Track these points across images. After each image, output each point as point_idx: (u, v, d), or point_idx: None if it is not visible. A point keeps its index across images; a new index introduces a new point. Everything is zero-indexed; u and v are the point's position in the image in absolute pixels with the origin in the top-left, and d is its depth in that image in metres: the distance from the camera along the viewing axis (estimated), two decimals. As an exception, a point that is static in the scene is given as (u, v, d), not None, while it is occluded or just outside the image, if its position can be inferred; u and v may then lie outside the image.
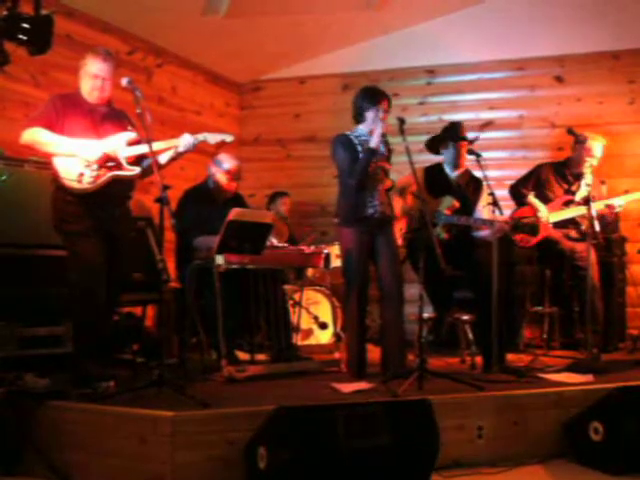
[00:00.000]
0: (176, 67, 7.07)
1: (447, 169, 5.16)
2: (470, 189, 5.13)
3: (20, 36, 3.34)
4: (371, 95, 4.67)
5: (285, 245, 5.41)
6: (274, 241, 5.14)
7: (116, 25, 6.18)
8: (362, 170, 4.51)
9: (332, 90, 7.58)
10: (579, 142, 5.72)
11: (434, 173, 5.17)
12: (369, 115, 4.61)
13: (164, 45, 6.78)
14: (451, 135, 5.14)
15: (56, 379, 3.99)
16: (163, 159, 4.22)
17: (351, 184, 4.55)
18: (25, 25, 3.33)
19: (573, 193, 5.84)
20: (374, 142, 4.50)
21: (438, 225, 4.93)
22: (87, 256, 4.03)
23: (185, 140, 4.17)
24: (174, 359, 5.09)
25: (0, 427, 3.62)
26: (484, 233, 4.95)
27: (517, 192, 5.94)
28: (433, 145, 5.24)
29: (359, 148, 4.59)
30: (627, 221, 6.50)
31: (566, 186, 5.88)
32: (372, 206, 4.61)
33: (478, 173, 4.96)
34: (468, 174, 5.18)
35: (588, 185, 5.60)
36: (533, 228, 5.49)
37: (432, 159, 5.37)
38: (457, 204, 4.99)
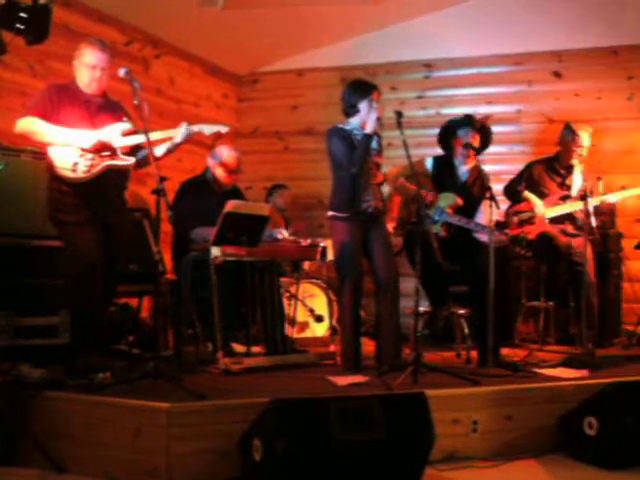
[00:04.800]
0: (174, 58, 7.05)
1: (456, 162, 5.14)
2: (477, 186, 5.07)
3: (18, 25, 3.33)
4: (361, 88, 4.68)
5: (282, 237, 5.40)
6: (285, 234, 5.13)
7: (114, 15, 6.15)
8: (362, 156, 4.51)
9: (330, 83, 7.55)
10: (571, 135, 5.74)
11: (443, 164, 5.16)
12: (362, 107, 4.61)
13: (162, 36, 6.76)
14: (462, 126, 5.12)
15: (52, 369, 3.98)
16: (159, 151, 4.21)
17: (351, 173, 4.52)
18: (23, 14, 3.33)
19: (568, 187, 5.84)
20: (370, 128, 4.51)
21: (438, 223, 4.92)
22: (83, 247, 4.02)
23: (181, 130, 4.17)
24: (170, 351, 5.10)
25: (-4, 417, 3.63)
26: (482, 238, 4.90)
27: (513, 191, 5.94)
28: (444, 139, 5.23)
29: (354, 140, 4.59)
30: (623, 217, 6.51)
31: (559, 180, 5.88)
32: (365, 200, 4.61)
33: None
34: (477, 170, 5.10)
35: (584, 178, 5.61)
36: (531, 220, 5.53)
37: (429, 153, 5.37)
38: (460, 202, 4.98)
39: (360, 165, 4.52)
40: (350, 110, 4.67)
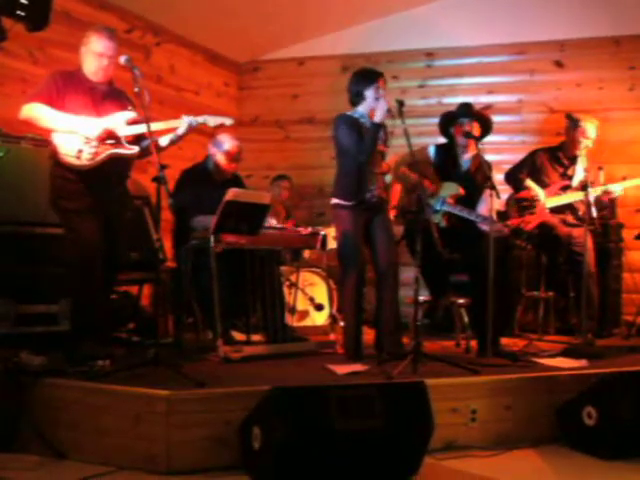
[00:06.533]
0: (175, 46, 7.03)
1: (458, 150, 5.13)
2: (480, 175, 5.01)
3: (18, 12, 3.32)
4: (367, 75, 4.68)
5: (282, 226, 5.40)
6: (273, 222, 5.14)
7: (115, 3, 6.12)
8: (371, 145, 4.51)
9: (331, 72, 7.55)
10: (573, 125, 5.73)
11: (446, 152, 5.14)
12: (369, 94, 4.60)
13: (163, 23, 6.73)
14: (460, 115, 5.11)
15: (52, 357, 3.99)
16: (163, 142, 4.23)
17: (359, 161, 4.53)
18: (23, 1, 3.32)
19: (569, 177, 5.82)
20: (379, 117, 4.48)
21: (439, 212, 4.92)
22: (84, 234, 4.02)
23: (184, 122, 4.16)
24: (170, 338, 5.11)
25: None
26: (483, 227, 4.88)
27: (514, 178, 5.91)
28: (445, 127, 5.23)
29: (361, 127, 4.58)
30: (624, 207, 6.50)
31: (561, 170, 5.86)
32: (370, 190, 4.61)
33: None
34: (479, 159, 5.04)
35: (585, 170, 5.60)
36: (532, 209, 5.53)
37: (430, 141, 5.36)
38: (462, 191, 4.97)
39: (368, 154, 4.51)
40: (356, 98, 4.66)
